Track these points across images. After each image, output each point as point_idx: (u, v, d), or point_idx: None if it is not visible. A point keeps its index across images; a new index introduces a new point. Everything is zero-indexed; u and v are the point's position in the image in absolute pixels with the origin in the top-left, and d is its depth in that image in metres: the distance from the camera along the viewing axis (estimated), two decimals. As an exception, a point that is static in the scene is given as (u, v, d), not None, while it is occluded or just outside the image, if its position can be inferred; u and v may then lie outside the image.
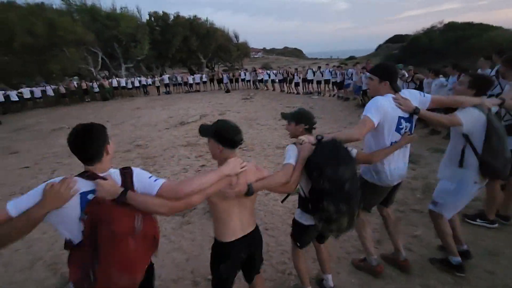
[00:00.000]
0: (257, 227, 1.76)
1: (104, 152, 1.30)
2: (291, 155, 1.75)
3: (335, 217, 1.58)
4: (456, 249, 2.33)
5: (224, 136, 1.55)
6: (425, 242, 2.76)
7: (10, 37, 17.80)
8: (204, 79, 20.43)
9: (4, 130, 10.70)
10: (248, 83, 19.31)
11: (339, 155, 1.63)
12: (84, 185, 1.24)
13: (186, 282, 2.47)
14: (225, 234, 1.62)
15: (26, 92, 16.22)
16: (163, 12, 30.79)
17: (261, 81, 18.09)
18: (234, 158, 1.56)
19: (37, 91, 16.87)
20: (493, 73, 3.74)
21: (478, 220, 2.95)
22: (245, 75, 19.40)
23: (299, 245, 2.05)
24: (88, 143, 1.26)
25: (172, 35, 29.17)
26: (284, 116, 2.03)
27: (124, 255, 1.18)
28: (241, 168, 1.55)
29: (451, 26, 19.73)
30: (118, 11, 25.46)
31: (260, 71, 19.41)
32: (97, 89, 18.47)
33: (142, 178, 1.36)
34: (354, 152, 1.93)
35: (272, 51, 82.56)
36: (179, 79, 20.22)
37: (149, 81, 20.62)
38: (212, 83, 20.33)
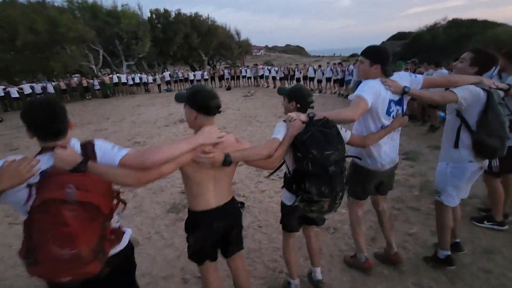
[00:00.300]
0: (233, 198, 1.67)
1: (67, 126, 1.25)
2: (279, 131, 1.68)
3: (316, 199, 1.53)
4: (449, 245, 2.27)
5: (198, 101, 1.45)
6: (421, 240, 2.71)
7: (12, 35, 17.82)
8: (206, 77, 20.41)
9: (5, 128, 10.73)
10: (249, 80, 19.30)
11: (327, 136, 1.55)
12: (47, 163, 1.17)
13: (176, 280, 2.45)
14: (198, 205, 1.54)
15: (26, 88, 16.22)
16: (164, 9, 30.86)
17: (261, 76, 18.13)
18: (210, 126, 1.48)
19: (37, 87, 16.81)
20: (496, 71, 3.67)
21: (485, 222, 2.80)
22: (246, 72, 19.41)
23: (285, 228, 2.01)
24: (52, 118, 1.19)
25: (174, 32, 29.17)
26: (279, 91, 1.95)
27: (59, 226, 1.05)
28: (218, 138, 1.46)
29: (455, 23, 19.37)
30: (119, 8, 25.49)
31: (261, 66, 19.40)
32: (98, 87, 18.47)
33: (104, 148, 1.28)
34: (348, 134, 1.85)
35: (274, 48, 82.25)
36: (180, 75, 20.20)
37: (150, 78, 20.61)
38: (213, 81, 20.31)
